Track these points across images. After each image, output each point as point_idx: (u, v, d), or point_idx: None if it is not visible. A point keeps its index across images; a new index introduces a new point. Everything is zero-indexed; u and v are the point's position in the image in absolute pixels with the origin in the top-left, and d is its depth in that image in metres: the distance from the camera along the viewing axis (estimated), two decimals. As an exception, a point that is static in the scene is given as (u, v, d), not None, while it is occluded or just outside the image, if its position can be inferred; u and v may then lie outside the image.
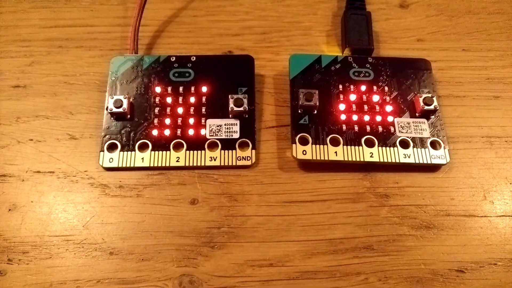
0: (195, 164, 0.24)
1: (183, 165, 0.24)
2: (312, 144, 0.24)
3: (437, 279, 0.21)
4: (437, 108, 0.24)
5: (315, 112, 0.24)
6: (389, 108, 0.25)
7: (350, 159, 0.23)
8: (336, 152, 0.23)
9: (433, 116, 0.25)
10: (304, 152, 0.23)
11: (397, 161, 0.23)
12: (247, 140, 0.24)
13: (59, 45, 0.27)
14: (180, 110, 0.25)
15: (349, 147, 0.24)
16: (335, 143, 0.24)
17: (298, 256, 0.22)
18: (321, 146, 0.24)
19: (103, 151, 0.24)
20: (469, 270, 0.22)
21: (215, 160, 0.24)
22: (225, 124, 0.25)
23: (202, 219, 0.22)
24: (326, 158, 0.23)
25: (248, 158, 0.24)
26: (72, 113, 0.25)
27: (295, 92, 0.25)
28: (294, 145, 0.23)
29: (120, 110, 0.24)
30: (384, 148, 0.24)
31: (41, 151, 0.24)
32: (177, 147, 0.24)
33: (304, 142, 0.24)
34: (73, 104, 0.25)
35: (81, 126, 0.25)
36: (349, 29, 0.27)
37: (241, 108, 0.24)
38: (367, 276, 0.21)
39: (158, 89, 0.25)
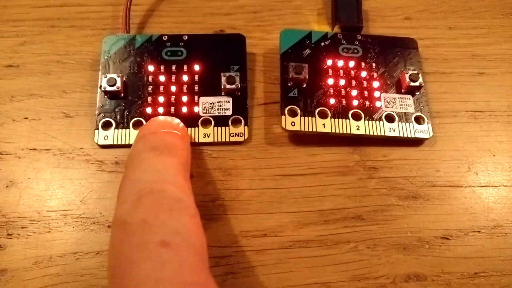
0: (189, 140, 0.24)
1: (178, 141, 0.24)
2: (300, 116, 0.24)
3: (423, 246, 0.22)
4: (422, 85, 0.25)
5: (304, 85, 0.25)
6: (376, 84, 0.25)
7: (337, 131, 0.24)
8: (324, 124, 0.24)
9: (418, 93, 0.25)
10: (293, 124, 0.24)
11: (383, 134, 0.24)
12: (240, 117, 0.25)
13: (51, 24, 0.27)
14: (173, 88, 0.25)
15: (336, 120, 0.24)
16: (323, 115, 0.24)
17: (291, 227, 0.23)
18: (310, 118, 0.24)
19: (98, 129, 0.24)
20: (454, 237, 0.23)
21: (208, 136, 0.24)
22: (218, 102, 0.25)
23: (197, 193, 0.23)
24: (314, 130, 0.24)
25: (241, 134, 0.24)
26: (65, 91, 0.25)
27: (285, 65, 0.25)
28: (283, 116, 0.24)
29: (114, 88, 0.24)
30: (370, 121, 0.24)
31: (37, 129, 0.24)
32: (171, 124, 0.24)
33: (293, 114, 0.24)
34: (67, 83, 0.26)
35: (75, 105, 0.25)
36: (339, 6, 0.27)
37: (234, 86, 0.25)
38: (356, 244, 0.22)
39: (151, 68, 0.25)
